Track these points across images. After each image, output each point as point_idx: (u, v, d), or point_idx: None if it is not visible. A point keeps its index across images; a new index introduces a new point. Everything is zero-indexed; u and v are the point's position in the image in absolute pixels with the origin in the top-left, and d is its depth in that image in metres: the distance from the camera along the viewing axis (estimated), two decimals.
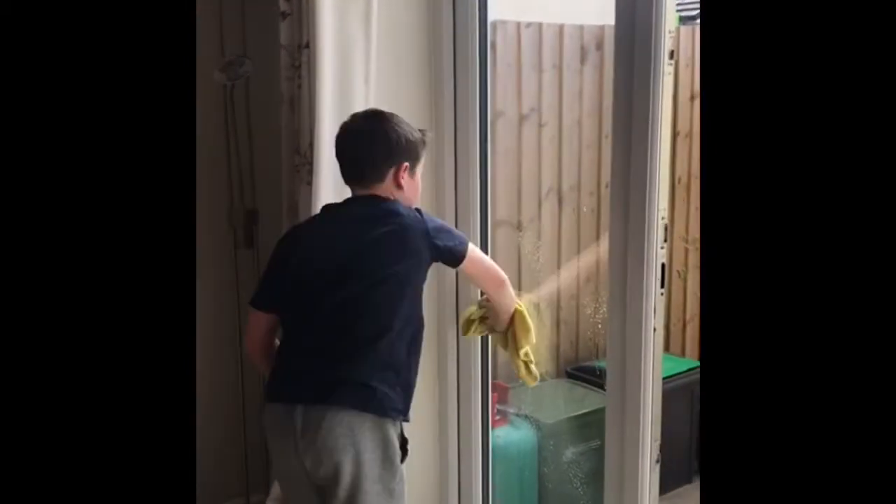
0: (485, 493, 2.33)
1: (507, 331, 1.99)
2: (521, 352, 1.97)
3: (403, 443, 1.66)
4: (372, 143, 1.72)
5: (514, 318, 1.96)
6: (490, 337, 2.15)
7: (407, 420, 1.68)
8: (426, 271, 1.73)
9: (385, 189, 1.73)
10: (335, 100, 1.93)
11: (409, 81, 2.16)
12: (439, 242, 1.70)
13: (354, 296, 1.63)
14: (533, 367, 2.01)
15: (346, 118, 1.94)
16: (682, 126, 3.41)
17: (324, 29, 1.88)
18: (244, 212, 2.46)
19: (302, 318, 1.68)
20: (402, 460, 1.65)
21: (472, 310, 2.08)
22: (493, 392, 2.40)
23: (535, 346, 2.01)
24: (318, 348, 1.64)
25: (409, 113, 2.16)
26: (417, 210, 1.75)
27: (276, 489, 2.16)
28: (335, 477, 1.59)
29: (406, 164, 1.74)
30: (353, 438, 1.58)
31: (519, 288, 3.04)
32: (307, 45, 1.93)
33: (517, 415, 2.75)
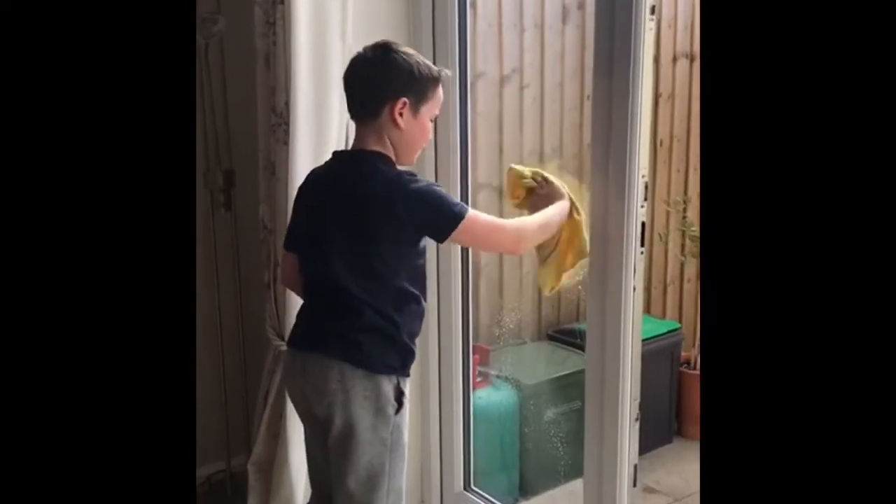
0: (466, 453, 2.34)
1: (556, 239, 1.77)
2: (567, 271, 1.78)
3: (399, 395, 1.65)
4: (369, 72, 1.60)
5: (568, 228, 1.75)
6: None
7: (406, 375, 1.67)
8: (415, 237, 1.64)
9: (381, 129, 1.61)
10: (311, 57, 1.89)
11: (386, 38, 2.11)
12: (416, 219, 1.57)
13: (343, 255, 1.61)
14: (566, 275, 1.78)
15: (322, 76, 1.91)
16: (665, 87, 3.39)
17: None
18: (221, 173, 2.43)
19: (308, 269, 1.72)
20: (398, 412, 1.65)
21: (525, 173, 1.83)
22: (474, 354, 2.41)
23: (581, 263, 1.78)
24: (318, 303, 1.69)
25: None
26: (410, 174, 1.61)
27: (256, 452, 2.16)
28: (329, 417, 1.62)
29: (405, 99, 1.58)
30: (344, 385, 1.60)
31: (501, 253, 3.04)
32: (282, 1, 1.88)
33: (498, 376, 2.76)
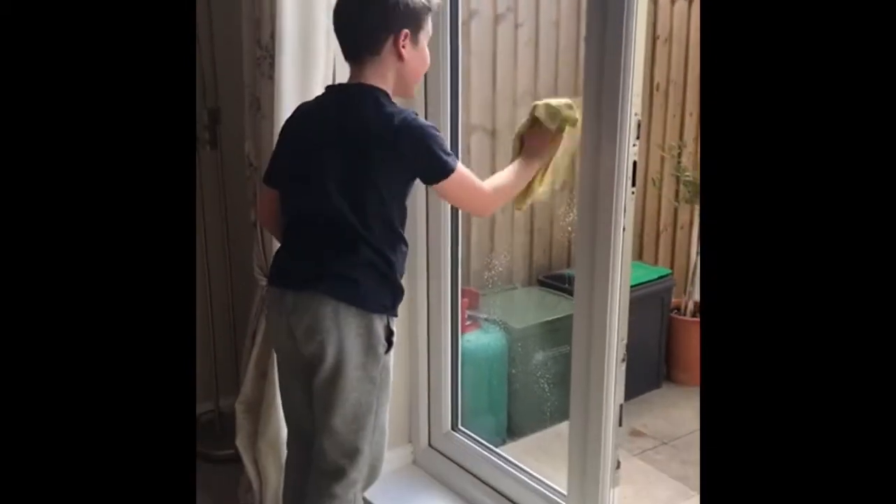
0: (454, 394, 2.35)
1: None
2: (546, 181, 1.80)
3: (389, 335, 1.65)
4: (364, 9, 1.58)
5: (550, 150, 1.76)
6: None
7: (395, 315, 1.67)
8: (409, 176, 1.63)
9: (383, 64, 1.60)
10: None
11: None
12: (413, 157, 1.57)
13: (342, 190, 1.59)
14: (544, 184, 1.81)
15: (309, 7, 1.86)
16: (663, 30, 3.33)
17: None
18: (206, 111, 2.38)
19: (295, 206, 1.69)
20: (387, 351, 1.65)
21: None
22: (463, 297, 2.40)
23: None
24: (309, 239, 1.65)
25: None
26: (412, 111, 1.61)
27: (244, 392, 2.16)
28: (320, 356, 1.61)
29: (406, 31, 1.58)
30: (338, 323, 1.58)
31: None
32: None
33: (487, 320, 2.76)
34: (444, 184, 1.60)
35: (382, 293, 1.63)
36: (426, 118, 2.14)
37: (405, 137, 1.56)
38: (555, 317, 2.83)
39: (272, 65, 1.88)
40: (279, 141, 1.74)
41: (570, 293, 1.80)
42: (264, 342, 2.09)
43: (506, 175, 1.75)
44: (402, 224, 1.66)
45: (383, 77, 1.61)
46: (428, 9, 1.62)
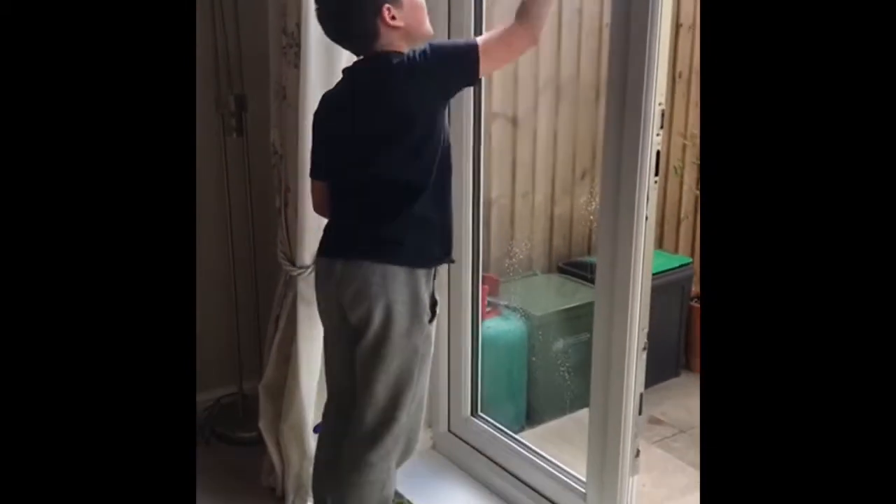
0: (474, 380, 2.37)
1: None
2: None
3: (433, 303, 1.70)
4: (342, 12, 1.63)
5: None
6: None
7: (451, 261, 1.77)
8: (441, 113, 1.63)
9: (387, 39, 1.61)
10: None
11: None
12: (442, 72, 1.58)
13: (378, 163, 1.64)
14: None
15: None
16: (685, 18, 3.31)
17: None
18: (233, 98, 2.40)
19: (340, 184, 1.74)
20: (431, 320, 1.70)
21: None
22: (483, 284, 2.41)
23: None
24: (356, 210, 1.70)
25: None
26: (421, 51, 1.60)
27: (268, 375, 2.19)
28: (367, 321, 1.66)
29: (387, 5, 1.59)
30: (386, 289, 1.63)
31: (513, 184, 3.02)
32: None
33: (508, 307, 2.77)
34: (482, 60, 1.56)
35: (431, 246, 1.68)
36: (448, 103, 2.15)
37: (423, 60, 1.57)
38: (575, 304, 2.84)
39: (297, 53, 1.89)
40: (314, 134, 1.78)
41: (591, 280, 1.82)
42: (287, 326, 2.12)
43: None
44: (447, 157, 1.66)
45: (391, 45, 1.63)
46: None
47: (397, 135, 1.60)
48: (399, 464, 1.83)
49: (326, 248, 1.77)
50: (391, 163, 1.63)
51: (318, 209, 1.87)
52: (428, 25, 1.68)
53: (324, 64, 1.89)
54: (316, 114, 1.77)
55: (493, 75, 2.84)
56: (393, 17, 1.60)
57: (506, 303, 2.79)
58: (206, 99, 2.41)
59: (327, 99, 1.76)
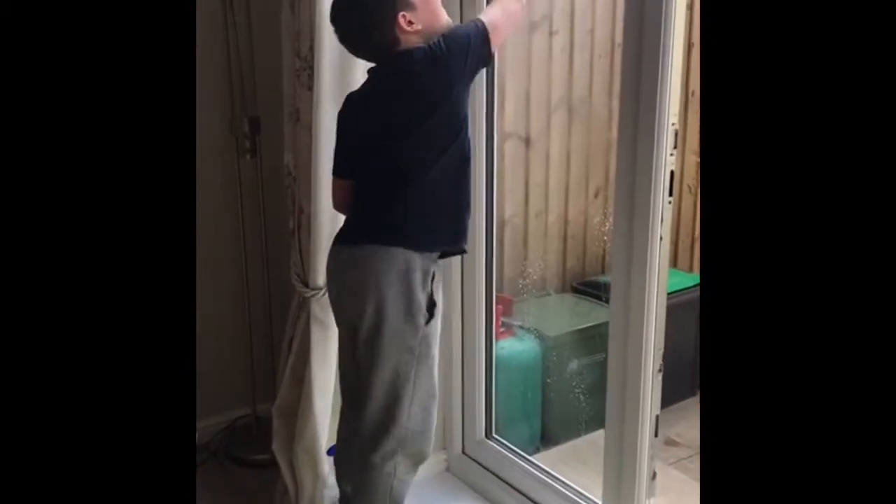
0: (488, 401, 2.36)
1: None
2: None
3: (431, 305, 1.70)
4: (362, 14, 1.65)
5: None
6: None
7: (464, 251, 1.77)
8: (463, 100, 1.66)
9: (404, 45, 1.64)
10: None
11: None
12: (457, 56, 1.61)
13: (393, 149, 1.66)
14: None
15: None
16: (698, 37, 3.31)
17: None
18: (247, 119, 2.42)
19: (362, 177, 1.76)
20: (428, 322, 1.70)
21: None
22: (497, 305, 2.40)
23: None
24: (369, 199, 1.72)
25: None
26: (436, 41, 1.63)
27: (281, 398, 2.19)
28: (360, 317, 1.67)
29: (402, 13, 1.62)
30: (378, 284, 1.64)
31: (526, 203, 3.02)
32: None
33: (522, 327, 2.76)
34: (493, 44, 1.63)
35: (438, 231, 1.70)
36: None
37: (439, 50, 1.60)
38: (589, 324, 2.82)
39: (311, 76, 1.90)
40: (338, 132, 1.79)
41: (605, 300, 1.81)
42: (301, 348, 2.12)
43: None
44: (466, 145, 1.68)
45: (409, 45, 1.65)
46: None
47: (416, 120, 1.63)
48: (414, 466, 1.81)
49: (336, 237, 1.79)
50: (406, 148, 1.64)
51: (339, 207, 1.87)
52: (444, 16, 1.70)
53: (337, 86, 1.90)
54: (341, 113, 1.80)
55: (506, 95, 2.85)
56: (410, 23, 1.62)
57: (520, 323, 2.78)
58: (221, 121, 2.43)
59: (352, 99, 1.78)
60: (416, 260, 1.66)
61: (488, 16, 1.67)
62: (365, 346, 1.68)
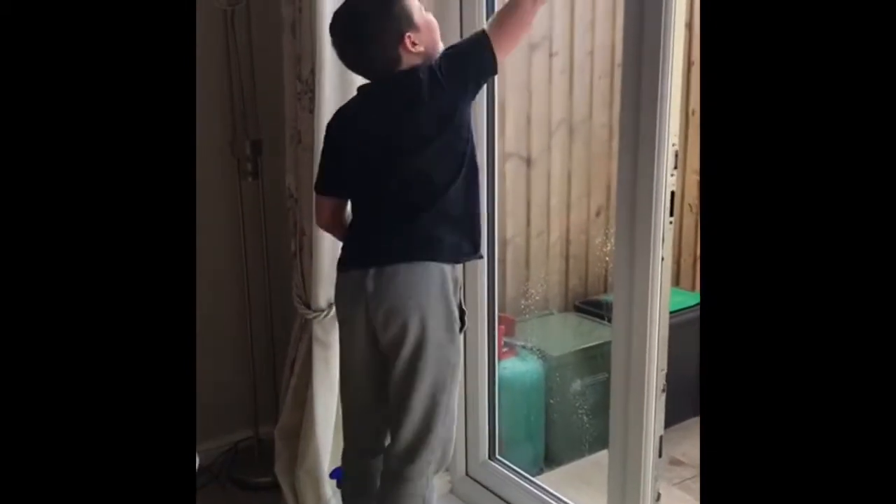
0: (491, 422, 2.35)
1: None
2: None
3: (462, 314, 1.71)
4: (367, 34, 1.65)
5: None
6: None
7: (480, 257, 1.76)
8: (469, 112, 1.68)
9: (404, 65, 1.65)
10: None
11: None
12: (462, 70, 1.63)
13: (408, 165, 1.65)
14: None
15: None
16: (698, 56, 3.33)
17: None
18: (248, 142, 2.43)
19: (368, 195, 1.73)
20: (461, 330, 1.71)
21: None
22: (499, 325, 2.40)
23: None
24: (387, 217, 1.69)
25: None
26: (441, 58, 1.65)
27: (283, 420, 2.18)
28: (402, 337, 1.65)
29: (408, 33, 1.63)
30: (419, 302, 1.63)
31: (528, 223, 3.02)
32: None
33: (524, 347, 2.76)
34: (498, 53, 1.62)
35: (463, 242, 1.69)
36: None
37: (444, 63, 1.63)
38: (592, 343, 2.82)
39: (312, 99, 1.92)
40: (326, 148, 1.78)
41: (608, 319, 1.81)
42: (303, 370, 2.11)
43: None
44: (474, 154, 1.69)
45: (410, 65, 1.66)
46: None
47: (429, 136, 1.63)
48: (436, 472, 1.81)
49: (352, 259, 1.74)
50: (423, 164, 1.64)
51: (327, 225, 1.85)
52: (440, 43, 1.71)
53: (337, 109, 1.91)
54: (329, 127, 1.78)
55: (507, 116, 2.86)
56: (414, 44, 1.63)
57: (522, 343, 2.78)
58: (222, 143, 2.44)
59: (345, 115, 1.77)
60: (448, 272, 1.67)
61: (493, 23, 1.66)
62: (406, 367, 1.67)
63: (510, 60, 2.86)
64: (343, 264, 1.77)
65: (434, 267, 1.65)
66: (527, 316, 2.97)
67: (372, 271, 1.66)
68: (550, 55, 2.97)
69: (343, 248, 1.80)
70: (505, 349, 2.61)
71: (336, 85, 1.90)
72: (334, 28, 1.68)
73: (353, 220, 1.79)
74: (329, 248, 1.95)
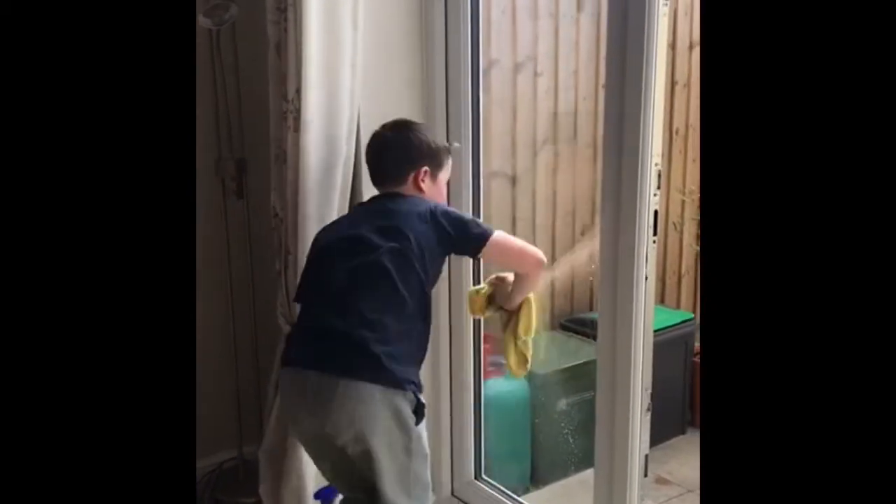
0: (477, 442, 2.34)
1: (512, 314, 1.92)
2: (520, 340, 1.91)
3: (419, 408, 1.67)
4: (394, 147, 1.79)
5: (523, 304, 1.90)
6: (493, 314, 2.00)
7: (420, 390, 1.69)
8: (441, 257, 1.76)
9: (407, 190, 1.78)
10: (322, 44, 1.88)
11: (398, 27, 2.11)
12: (451, 230, 1.71)
13: (367, 263, 1.64)
14: (528, 356, 1.93)
15: (333, 63, 1.91)
16: (680, 76, 3.36)
17: None
18: (233, 161, 2.42)
19: (317, 287, 1.73)
20: (418, 423, 1.67)
21: (481, 287, 1.97)
22: (485, 343, 2.40)
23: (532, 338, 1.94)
24: (333, 317, 1.65)
25: (398, 59, 2.13)
26: (446, 212, 1.76)
27: (267, 440, 2.17)
28: (352, 445, 1.63)
29: (426, 168, 1.78)
30: (366, 411, 1.60)
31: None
32: None
33: None
34: (489, 248, 1.74)
35: (407, 369, 1.66)
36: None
37: (444, 217, 1.72)
38: (578, 362, 2.82)
39: (297, 118, 1.92)
40: (307, 258, 1.83)
41: (593, 337, 1.81)
42: None
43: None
44: (429, 306, 1.73)
45: (409, 194, 1.79)
46: (447, 150, 1.85)
47: (403, 254, 1.65)
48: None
49: (295, 357, 1.72)
50: (375, 267, 1.64)
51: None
52: (442, 202, 1.84)
53: (323, 129, 1.92)
54: (320, 238, 1.82)
55: (492, 136, 2.88)
56: (422, 180, 1.78)
57: None
58: (207, 162, 2.44)
59: (330, 227, 1.83)
60: (398, 396, 1.64)
61: (505, 237, 1.78)
62: (362, 465, 1.64)
63: (496, 81, 2.89)
64: (286, 359, 1.75)
65: (378, 391, 1.60)
66: None
67: (313, 374, 1.63)
68: (535, 75, 2.99)
69: (288, 340, 1.80)
70: (491, 368, 2.61)
71: (321, 105, 1.91)
72: (389, 127, 1.81)
73: (300, 313, 1.78)
74: None
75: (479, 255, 1.82)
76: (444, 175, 1.84)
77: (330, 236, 1.78)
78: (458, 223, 1.73)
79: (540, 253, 1.81)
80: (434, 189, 1.81)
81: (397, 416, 1.63)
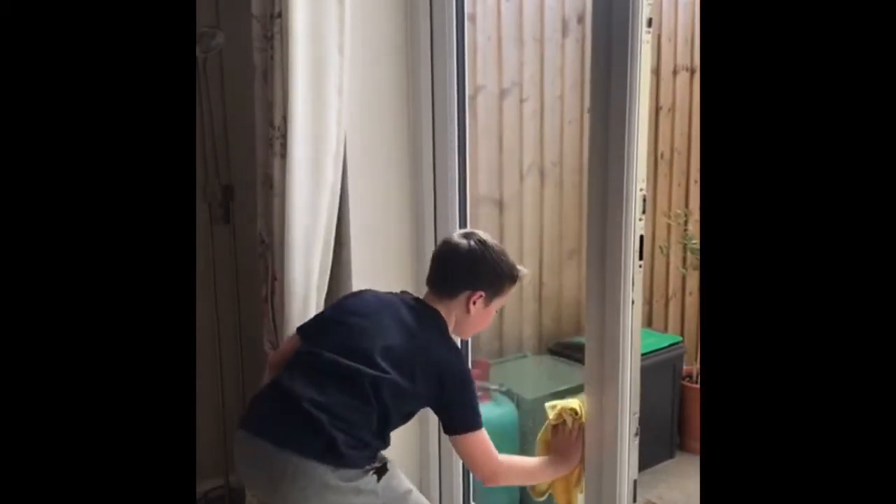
0: (465, 469, 2.32)
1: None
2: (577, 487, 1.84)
3: (378, 470, 1.60)
4: (461, 261, 1.74)
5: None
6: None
7: (377, 460, 1.63)
8: (425, 406, 1.71)
9: (455, 306, 1.74)
10: (308, 71, 1.89)
11: (384, 52, 2.12)
12: (451, 400, 1.67)
13: (365, 375, 1.59)
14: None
15: (320, 89, 1.91)
16: (665, 100, 3.40)
17: None
18: (220, 187, 2.42)
19: (306, 358, 1.67)
20: (380, 479, 1.60)
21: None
22: (474, 368, 2.39)
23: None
24: (306, 395, 1.58)
25: (384, 85, 2.13)
26: (462, 353, 1.74)
27: None
28: None
29: (483, 293, 1.73)
30: (318, 489, 1.53)
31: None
32: (279, 15, 1.88)
33: (499, 391, 2.74)
34: (464, 437, 1.68)
35: (367, 455, 1.59)
36: (435, 189, 2.18)
37: (451, 376, 1.67)
38: (567, 386, 2.81)
39: (284, 144, 1.92)
40: (339, 304, 1.82)
41: (582, 361, 1.80)
42: None
43: (527, 462, 1.87)
44: (389, 429, 1.66)
45: (448, 315, 1.75)
46: (514, 279, 1.78)
47: (400, 394, 1.61)
48: None
49: (252, 422, 1.63)
50: (361, 380, 1.58)
51: (274, 358, 1.85)
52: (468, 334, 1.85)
53: (310, 155, 1.92)
54: (359, 293, 1.81)
55: (479, 160, 2.89)
56: (474, 303, 1.73)
57: (496, 387, 2.76)
58: (195, 185, 2.44)
59: (374, 293, 1.80)
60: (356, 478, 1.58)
61: (485, 434, 1.70)
62: None
63: (482, 107, 2.91)
64: (243, 421, 1.67)
65: (329, 467, 1.53)
66: (501, 358, 2.96)
67: (269, 446, 1.55)
68: (521, 100, 3.01)
69: (251, 401, 1.71)
70: (479, 393, 2.60)
71: (308, 131, 1.91)
72: (464, 236, 1.76)
73: (278, 374, 1.69)
74: (300, 293, 1.94)
75: (448, 435, 1.72)
76: (499, 303, 1.79)
77: (345, 316, 1.72)
78: (462, 402, 1.68)
79: (500, 471, 1.74)
80: (481, 314, 1.76)
81: (356, 490, 1.56)
